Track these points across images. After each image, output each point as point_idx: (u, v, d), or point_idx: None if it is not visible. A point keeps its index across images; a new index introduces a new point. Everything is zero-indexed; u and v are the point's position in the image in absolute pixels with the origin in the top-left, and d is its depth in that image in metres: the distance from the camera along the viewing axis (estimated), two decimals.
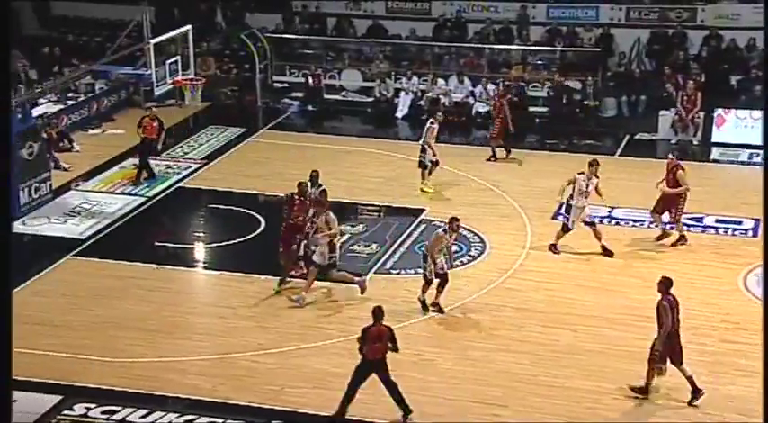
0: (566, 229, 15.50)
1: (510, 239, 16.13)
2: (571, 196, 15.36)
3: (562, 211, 15.84)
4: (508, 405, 11.59)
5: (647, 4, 24.45)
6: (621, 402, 11.65)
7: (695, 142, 20.65)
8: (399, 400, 11.12)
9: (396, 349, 11.05)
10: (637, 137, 21.30)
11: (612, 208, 17.20)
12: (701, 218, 16.75)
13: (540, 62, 23.77)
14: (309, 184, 14.70)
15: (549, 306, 13.95)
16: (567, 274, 14.91)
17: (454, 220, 13.64)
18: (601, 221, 16.84)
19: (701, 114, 20.72)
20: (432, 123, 18.04)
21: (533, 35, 24.60)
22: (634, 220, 16.89)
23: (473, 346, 12.93)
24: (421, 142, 18.03)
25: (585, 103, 22.40)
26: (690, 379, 11.50)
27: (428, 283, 13.62)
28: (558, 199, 15.80)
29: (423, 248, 14.13)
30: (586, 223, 15.47)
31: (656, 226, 16.11)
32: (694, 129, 20.71)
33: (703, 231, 16.40)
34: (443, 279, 13.58)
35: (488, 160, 19.74)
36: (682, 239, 15.87)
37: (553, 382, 12.07)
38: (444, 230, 13.66)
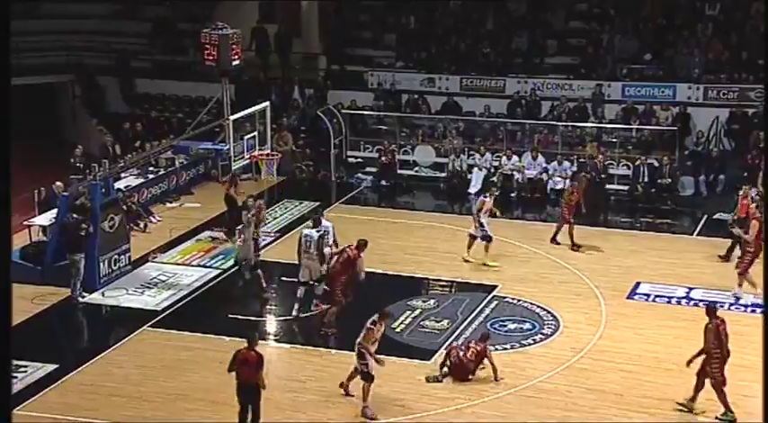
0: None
1: (584, 318, 15.88)
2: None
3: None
4: None
5: (725, 83, 24.24)
6: None
7: None
8: None
9: (260, 379, 11.82)
10: (716, 216, 20.90)
11: (690, 288, 16.87)
12: None
13: (614, 140, 23.64)
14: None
15: (624, 388, 13.60)
16: (644, 356, 14.56)
17: (386, 314, 13.23)
18: (679, 302, 16.54)
19: None
20: (484, 197, 18.44)
21: (608, 113, 24.55)
22: (713, 302, 16.43)
23: None
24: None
25: (660, 181, 22.15)
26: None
27: (370, 379, 12.91)
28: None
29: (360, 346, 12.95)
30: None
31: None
32: None
33: None
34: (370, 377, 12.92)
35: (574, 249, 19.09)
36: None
37: None
38: (374, 322, 12.94)
